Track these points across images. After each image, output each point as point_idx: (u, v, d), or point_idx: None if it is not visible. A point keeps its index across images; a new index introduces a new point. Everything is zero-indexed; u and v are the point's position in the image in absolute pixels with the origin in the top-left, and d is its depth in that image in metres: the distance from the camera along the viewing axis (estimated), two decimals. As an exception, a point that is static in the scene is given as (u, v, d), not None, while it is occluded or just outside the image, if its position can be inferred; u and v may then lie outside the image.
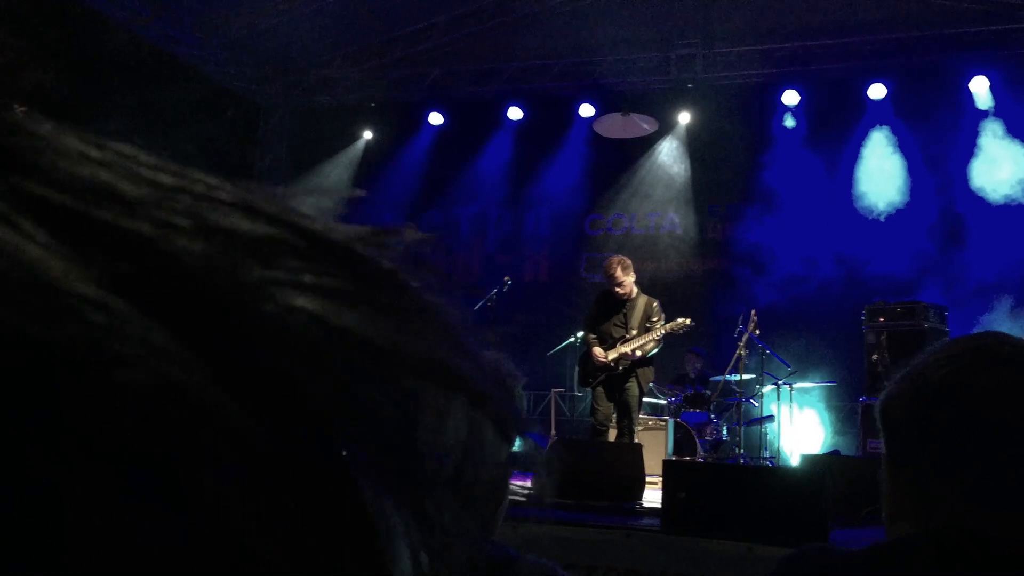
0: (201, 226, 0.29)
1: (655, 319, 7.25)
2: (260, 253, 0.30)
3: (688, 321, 7.29)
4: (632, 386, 7.27)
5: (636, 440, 7.83)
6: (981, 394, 1.06)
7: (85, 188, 0.27)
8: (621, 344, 7.23)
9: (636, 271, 7.48)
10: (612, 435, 7.50)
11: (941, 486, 1.09)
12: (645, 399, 9.59)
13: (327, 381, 0.30)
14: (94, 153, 0.28)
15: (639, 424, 8.70)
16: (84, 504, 0.23)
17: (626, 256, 7.57)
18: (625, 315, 7.29)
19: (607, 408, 7.29)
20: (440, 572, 0.33)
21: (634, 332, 7.22)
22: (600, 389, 7.30)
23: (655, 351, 7.35)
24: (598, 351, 7.25)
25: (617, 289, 7.25)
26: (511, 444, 0.40)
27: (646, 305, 7.32)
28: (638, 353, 7.20)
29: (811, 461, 6.19)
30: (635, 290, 7.40)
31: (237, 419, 0.26)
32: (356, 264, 0.33)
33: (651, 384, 7.67)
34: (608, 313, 7.37)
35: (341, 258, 0.32)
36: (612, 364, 7.22)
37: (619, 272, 7.22)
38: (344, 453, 0.29)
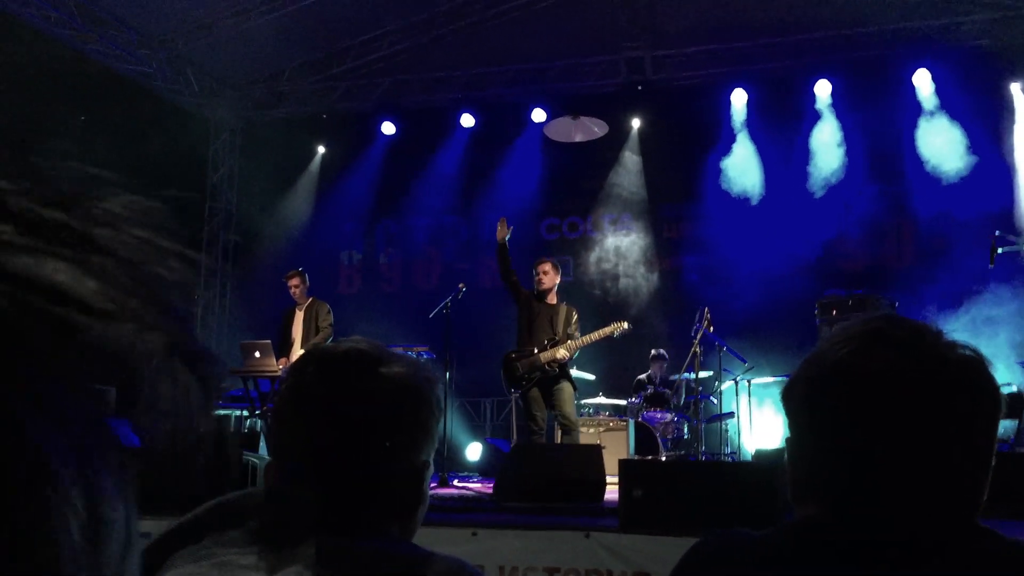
0: None
1: (573, 325, 7.53)
2: None
3: (625, 324, 7.52)
4: (566, 385, 7.44)
5: (588, 439, 7.91)
6: (869, 377, 1.06)
7: None
8: (551, 347, 7.40)
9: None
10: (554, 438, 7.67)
11: (830, 469, 1.09)
12: (608, 400, 9.66)
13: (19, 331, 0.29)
14: None
15: (600, 425, 8.76)
16: None
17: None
18: (552, 320, 7.52)
19: (544, 411, 7.40)
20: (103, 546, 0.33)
21: (558, 336, 7.45)
22: (535, 392, 7.39)
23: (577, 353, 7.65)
24: (545, 355, 7.37)
25: (544, 286, 7.52)
26: (216, 401, 0.40)
27: (567, 312, 7.58)
28: (570, 354, 7.44)
29: (763, 456, 6.23)
30: (555, 296, 7.64)
31: None
32: (39, 222, 0.32)
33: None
34: (534, 318, 7.54)
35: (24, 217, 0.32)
36: (547, 367, 7.37)
37: (553, 272, 7.62)
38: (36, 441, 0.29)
